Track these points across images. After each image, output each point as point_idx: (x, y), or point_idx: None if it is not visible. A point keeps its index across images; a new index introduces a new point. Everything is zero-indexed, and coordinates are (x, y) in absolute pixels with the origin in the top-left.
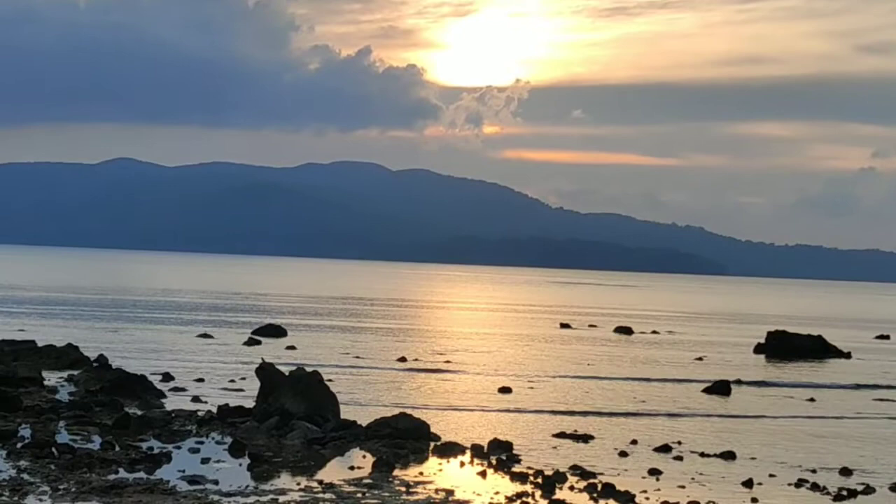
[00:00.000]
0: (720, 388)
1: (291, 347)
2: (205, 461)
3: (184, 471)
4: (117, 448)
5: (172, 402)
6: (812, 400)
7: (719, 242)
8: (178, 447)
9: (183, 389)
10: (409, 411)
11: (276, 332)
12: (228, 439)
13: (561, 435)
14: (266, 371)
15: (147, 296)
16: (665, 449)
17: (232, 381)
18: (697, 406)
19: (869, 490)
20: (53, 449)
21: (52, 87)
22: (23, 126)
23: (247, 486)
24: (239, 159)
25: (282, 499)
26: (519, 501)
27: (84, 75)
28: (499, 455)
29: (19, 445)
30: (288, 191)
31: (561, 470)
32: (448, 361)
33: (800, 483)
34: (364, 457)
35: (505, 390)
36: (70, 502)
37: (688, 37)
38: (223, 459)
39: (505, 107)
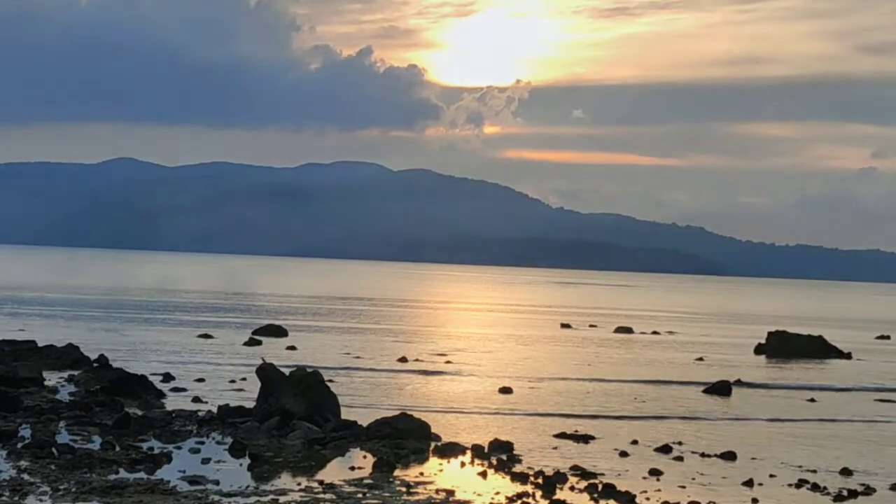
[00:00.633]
0: (720, 389)
1: (292, 347)
2: (205, 461)
3: (184, 471)
4: (118, 448)
5: (173, 403)
6: (813, 400)
7: (720, 242)
8: (179, 447)
9: (183, 389)
10: (409, 411)
11: (276, 332)
12: (229, 439)
13: (561, 435)
14: (266, 371)
15: (147, 296)
16: (665, 449)
17: (232, 381)
18: (698, 406)
19: (869, 490)
20: (54, 449)
21: (53, 86)
22: (23, 126)
23: (247, 487)
24: (239, 159)
25: (282, 499)
26: (520, 502)
27: (84, 75)
28: (499, 455)
29: (20, 445)
30: (288, 191)
31: (561, 470)
32: (449, 362)
33: (800, 483)
34: (365, 457)
35: (505, 391)
36: (70, 502)
37: (688, 37)
38: (224, 460)
39: (505, 107)
